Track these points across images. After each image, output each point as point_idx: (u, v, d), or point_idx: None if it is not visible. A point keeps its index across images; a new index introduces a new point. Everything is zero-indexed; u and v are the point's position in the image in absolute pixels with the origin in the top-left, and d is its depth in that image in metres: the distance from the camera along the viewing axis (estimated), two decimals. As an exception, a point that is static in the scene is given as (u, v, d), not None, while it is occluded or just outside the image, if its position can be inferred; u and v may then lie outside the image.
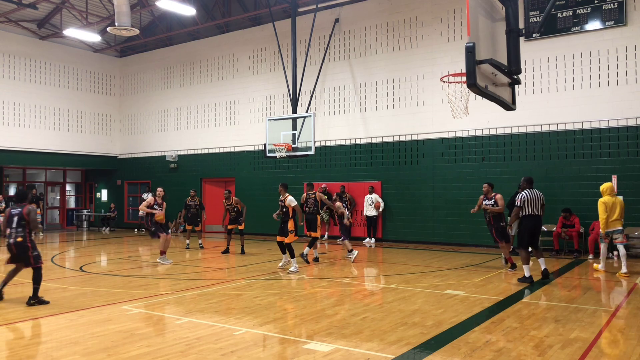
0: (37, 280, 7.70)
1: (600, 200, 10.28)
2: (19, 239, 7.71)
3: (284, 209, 10.94)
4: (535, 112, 14.32)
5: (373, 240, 16.55)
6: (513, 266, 10.76)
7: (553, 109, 14.21)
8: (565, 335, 5.94)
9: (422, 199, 16.16)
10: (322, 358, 5.21)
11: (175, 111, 22.39)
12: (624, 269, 10.22)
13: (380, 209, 16.52)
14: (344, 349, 5.51)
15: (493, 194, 11.06)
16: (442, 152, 15.88)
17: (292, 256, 10.70)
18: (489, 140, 15.15)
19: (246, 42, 20.28)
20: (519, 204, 9.59)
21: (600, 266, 10.89)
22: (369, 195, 16.54)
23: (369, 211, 16.47)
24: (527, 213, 9.52)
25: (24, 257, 7.79)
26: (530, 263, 9.57)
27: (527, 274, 9.37)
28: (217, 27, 20.98)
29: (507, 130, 14.86)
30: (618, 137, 13.40)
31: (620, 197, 10.93)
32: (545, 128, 14.33)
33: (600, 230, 10.36)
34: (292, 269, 10.67)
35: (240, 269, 11.31)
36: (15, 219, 7.77)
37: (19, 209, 7.83)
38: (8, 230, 7.80)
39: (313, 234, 11.93)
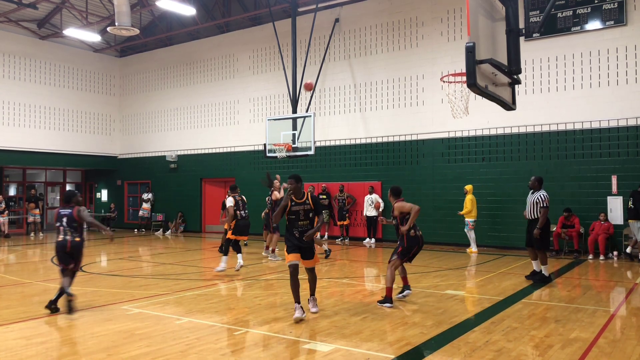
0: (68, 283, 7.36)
1: (469, 197, 14.11)
2: (77, 239, 7.37)
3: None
4: (535, 112, 14.32)
5: (373, 240, 16.54)
6: (405, 289, 8.07)
7: (553, 109, 14.20)
8: (565, 335, 5.94)
9: (422, 199, 16.12)
10: (322, 358, 5.21)
11: (175, 111, 22.39)
12: (473, 248, 14.12)
13: (380, 209, 16.50)
14: (344, 349, 5.51)
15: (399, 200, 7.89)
16: (442, 152, 15.88)
17: (225, 254, 10.75)
18: (489, 140, 15.15)
19: (246, 42, 20.28)
20: (546, 205, 9.27)
21: (473, 248, 14.15)
22: (369, 196, 16.54)
23: (369, 211, 16.46)
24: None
25: (78, 257, 7.47)
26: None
27: (546, 274, 9.34)
28: (217, 27, 20.98)
29: (507, 130, 14.86)
30: (618, 137, 13.39)
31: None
32: (545, 128, 14.33)
33: (471, 219, 14.06)
34: (218, 268, 10.65)
35: (241, 269, 11.31)
36: (65, 219, 7.38)
37: (69, 210, 7.44)
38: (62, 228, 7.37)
39: None
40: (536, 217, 9.37)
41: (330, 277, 10.27)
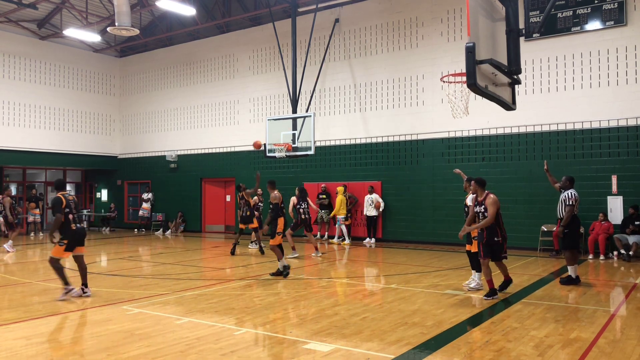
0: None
1: (340, 198, 16.35)
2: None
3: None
4: (535, 112, 14.32)
5: (373, 240, 16.53)
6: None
7: (553, 109, 14.20)
8: (565, 335, 5.94)
9: (422, 199, 16.15)
10: (322, 358, 5.21)
11: (175, 111, 22.39)
12: (347, 241, 16.32)
13: (380, 209, 16.51)
14: (344, 349, 5.51)
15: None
16: (442, 152, 15.88)
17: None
18: (489, 140, 15.15)
19: (246, 42, 20.28)
20: (572, 203, 9.21)
21: (335, 240, 16.43)
22: (369, 195, 16.54)
23: (369, 211, 16.46)
24: (576, 212, 9.35)
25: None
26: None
27: (573, 275, 9.18)
28: (217, 27, 20.98)
29: (507, 130, 14.86)
30: (618, 137, 13.39)
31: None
32: (545, 128, 14.33)
33: (341, 216, 16.38)
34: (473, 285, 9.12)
35: (240, 269, 11.31)
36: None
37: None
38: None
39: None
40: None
41: (330, 277, 10.28)
